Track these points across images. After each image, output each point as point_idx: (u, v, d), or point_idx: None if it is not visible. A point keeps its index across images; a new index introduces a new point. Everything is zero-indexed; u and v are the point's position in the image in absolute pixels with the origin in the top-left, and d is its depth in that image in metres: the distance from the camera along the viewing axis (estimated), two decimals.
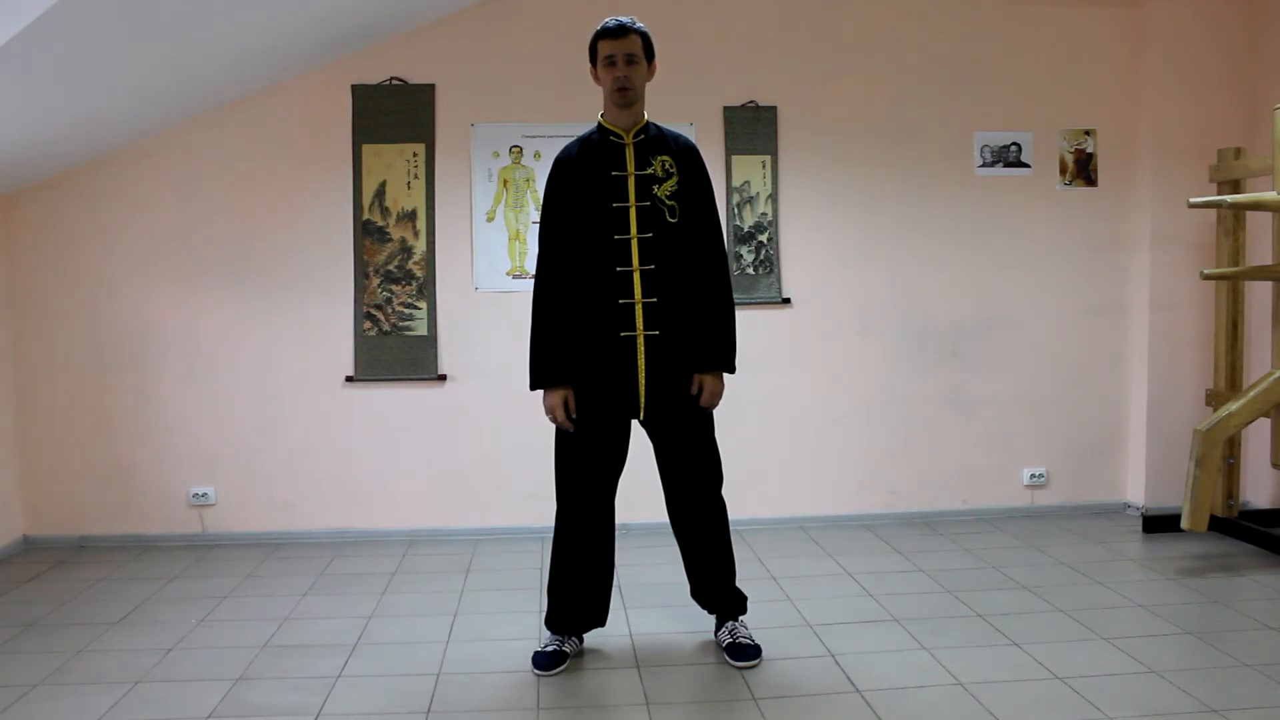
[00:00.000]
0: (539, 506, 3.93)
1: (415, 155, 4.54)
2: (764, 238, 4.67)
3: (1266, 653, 3.05)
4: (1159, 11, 4.67)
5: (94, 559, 4.32)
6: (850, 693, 2.84)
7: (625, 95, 2.95)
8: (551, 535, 3.15)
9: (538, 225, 3.23)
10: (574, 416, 3.00)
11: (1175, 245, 4.72)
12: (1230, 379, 4.46)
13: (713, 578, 3.16)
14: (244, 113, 4.49)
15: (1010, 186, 4.79)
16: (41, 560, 4.30)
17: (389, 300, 4.55)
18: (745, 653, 3.06)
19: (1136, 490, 4.83)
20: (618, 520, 3.18)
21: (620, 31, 2.93)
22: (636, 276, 2.96)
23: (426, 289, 4.56)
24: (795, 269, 4.71)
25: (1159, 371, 4.75)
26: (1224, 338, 4.47)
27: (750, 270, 4.67)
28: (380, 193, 4.54)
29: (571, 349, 2.99)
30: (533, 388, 3.02)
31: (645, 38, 2.98)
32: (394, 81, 4.53)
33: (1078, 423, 4.86)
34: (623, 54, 2.93)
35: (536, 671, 3.02)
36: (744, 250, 4.66)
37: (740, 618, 3.19)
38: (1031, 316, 4.82)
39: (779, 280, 4.69)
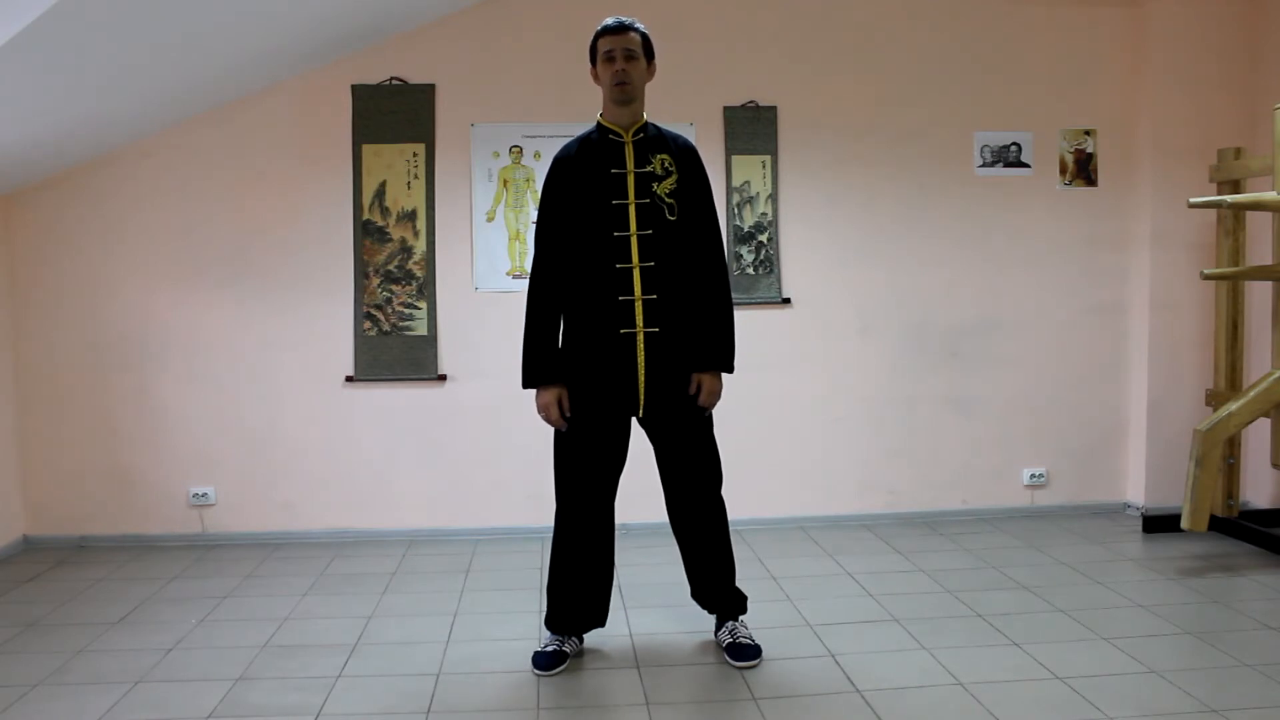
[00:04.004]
0: (539, 506, 3.93)
1: (415, 155, 4.55)
2: (764, 238, 4.67)
3: (1266, 653, 3.05)
4: (1159, 11, 4.67)
5: (94, 559, 4.32)
6: (850, 693, 2.84)
7: (624, 90, 2.95)
8: (551, 535, 3.15)
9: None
10: (567, 416, 3.00)
11: (1175, 245, 4.72)
12: (1230, 379, 4.46)
13: (712, 578, 3.16)
14: (244, 113, 4.49)
15: (1010, 186, 4.79)
16: (41, 560, 4.30)
17: (389, 300, 4.55)
18: (745, 653, 3.06)
19: (1136, 490, 4.83)
20: (618, 520, 3.18)
21: (619, 28, 2.96)
22: (636, 273, 2.96)
23: (426, 289, 4.56)
24: (795, 269, 4.71)
25: (1159, 371, 4.75)
26: (1224, 338, 4.47)
27: (750, 270, 4.67)
28: (380, 193, 4.54)
29: (564, 348, 3.00)
30: (525, 386, 3.02)
31: (645, 37, 3.01)
32: (394, 81, 4.53)
33: (1078, 423, 4.86)
34: (622, 49, 2.94)
35: (536, 671, 3.02)
36: (744, 250, 4.66)
37: (740, 618, 3.20)
38: (1031, 316, 4.82)
39: (779, 280, 4.69)
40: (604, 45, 2.97)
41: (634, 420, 3.08)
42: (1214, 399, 4.45)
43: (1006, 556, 4.16)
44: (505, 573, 4.06)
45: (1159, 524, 4.50)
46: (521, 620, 3.48)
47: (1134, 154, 4.80)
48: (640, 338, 2.97)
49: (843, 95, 4.69)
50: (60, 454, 4.51)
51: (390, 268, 4.54)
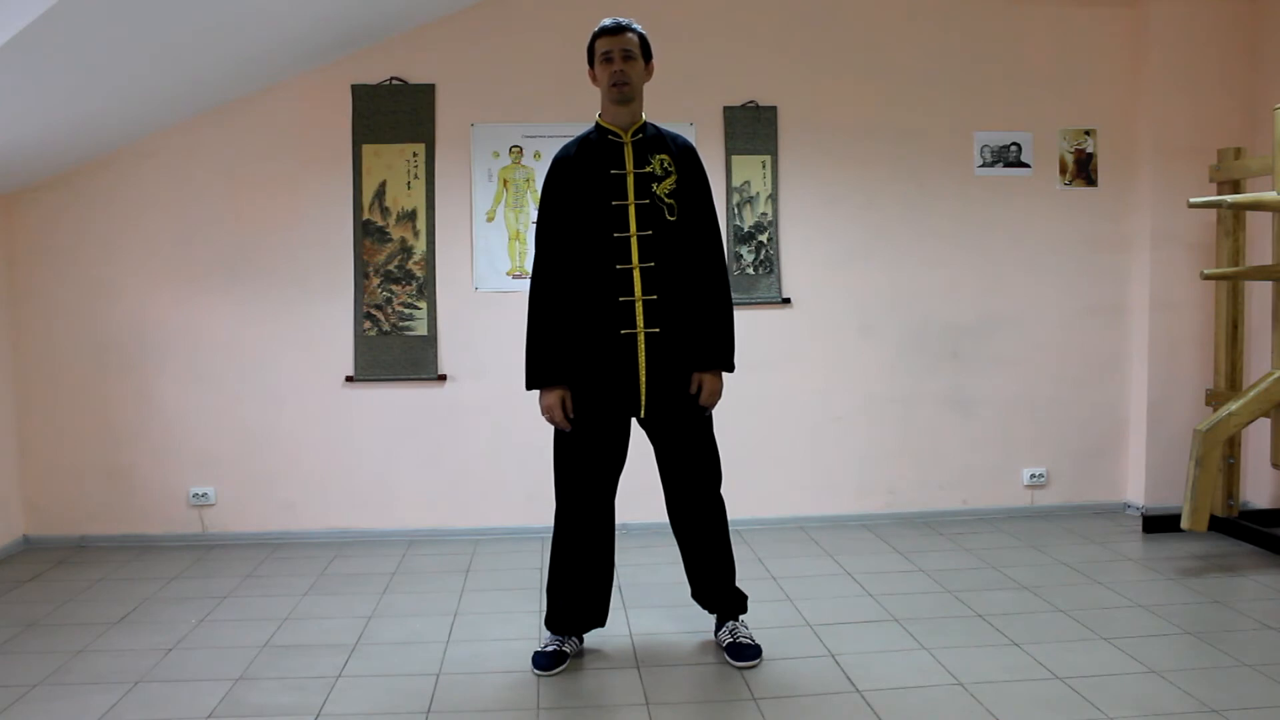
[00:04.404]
0: (539, 506, 3.93)
1: (415, 155, 4.55)
2: (764, 238, 4.67)
3: (1266, 653, 3.05)
4: (1159, 11, 4.67)
5: (94, 559, 4.32)
6: (850, 693, 2.84)
7: (622, 91, 2.96)
8: (551, 535, 3.14)
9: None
10: (571, 416, 3.00)
11: (1175, 245, 4.72)
12: (1230, 379, 4.46)
13: (713, 577, 3.16)
14: (244, 113, 4.49)
15: (1010, 186, 4.79)
16: (41, 560, 4.30)
17: (389, 300, 4.55)
18: (745, 653, 3.06)
19: (1136, 490, 4.83)
20: (618, 520, 3.18)
21: (617, 29, 2.96)
22: (636, 274, 2.96)
23: (426, 289, 4.56)
24: (795, 269, 4.71)
25: (1159, 371, 4.75)
26: (1224, 338, 4.47)
27: (750, 270, 4.67)
28: (380, 193, 4.54)
29: (568, 348, 3.00)
30: (529, 388, 3.02)
31: (642, 38, 3.00)
32: (394, 81, 4.53)
33: (1078, 423, 4.86)
34: (619, 50, 2.94)
35: (536, 671, 3.02)
36: (744, 250, 4.66)
37: (740, 617, 3.20)
38: (1031, 316, 4.82)
39: (779, 280, 4.69)
40: (601, 46, 2.97)
41: (633, 420, 3.09)
42: (1214, 399, 4.46)
43: (1006, 556, 4.16)
44: (505, 573, 4.06)
45: (1159, 524, 4.50)
46: (521, 620, 3.48)
47: (1134, 154, 4.80)
48: (641, 338, 2.97)
49: (843, 95, 4.69)
50: (60, 454, 4.51)
51: (390, 268, 4.54)
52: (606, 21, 2.99)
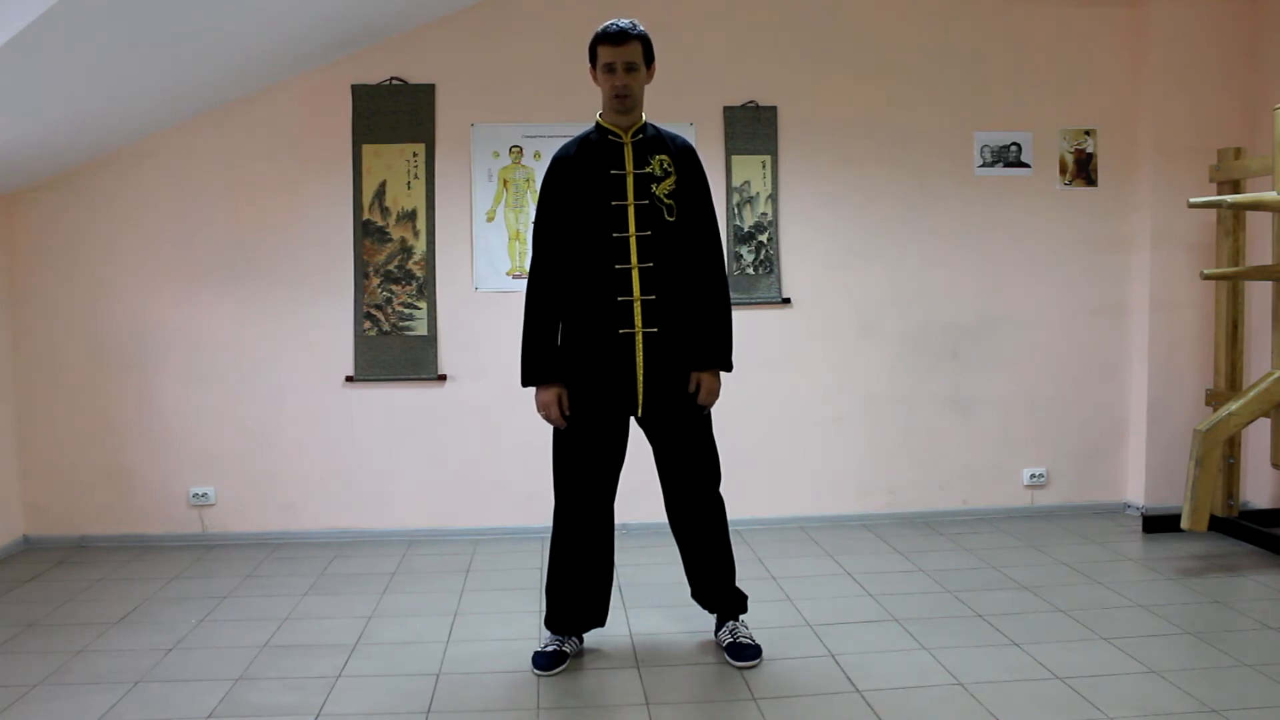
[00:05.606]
0: (539, 506, 3.93)
1: (415, 155, 4.55)
2: (764, 238, 4.67)
3: (1266, 653, 3.05)
4: (1159, 11, 4.67)
5: (94, 559, 4.32)
6: (850, 693, 2.84)
7: (624, 103, 2.96)
8: (551, 535, 3.15)
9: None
10: (567, 414, 3.00)
11: (1175, 245, 4.72)
12: (1230, 379, 4.46)
13: (712, 577, 3.16)
14: (244, 113, 4.49)
15: (1010, 186, 4.79)
16: (41, 560, 4.30)
17: (389, 300, 4.55)
18: (745, 653, 3.06)
19: (1136, 490, 4.83)
20: (618, 520, 3.18)
21: (621, 38, 2.91)
22: (635, 274, 2.96)
23: (426, 289, 4.56)
24: (795, 269, 4.71)
25: (1159, 371, 4.75)
26: (1224, 338, 4.47)
27: (750, 270, 4.67)
28: (380, 193, 4.54)
29: (563, 347, 3.00)
30: (524, 385, 3.02)
31: (646, 43, 2.97)
32: (394, 81, 4.53)
33: (1078, 423, 4.86)
34: (622, 61, 2.92)
35: (536, 671, 3.02)
36: (744, 250, 4.66)
37: (740, 617, 3.20)
38: (1031, 317, 4.82)
39: (779, 280, 4.69)
40: (604, 55, 2.93)
41: (633, 420, 3.09)
42: (1214, 399, 4.46)
43: (1006, 556, 4.16)
44: (505, 573, 4.06)
45: (1159, 524, 4.50)
46: (521, 620, 3.48)
47: (1134, 154, 4.80)
48: (639, 338, 2.97)
49: (843, 95, 4.69)
50: (60, 454, 4.51)
51: (390, 268, 4.54)
52: (611, 26, 2.93)
